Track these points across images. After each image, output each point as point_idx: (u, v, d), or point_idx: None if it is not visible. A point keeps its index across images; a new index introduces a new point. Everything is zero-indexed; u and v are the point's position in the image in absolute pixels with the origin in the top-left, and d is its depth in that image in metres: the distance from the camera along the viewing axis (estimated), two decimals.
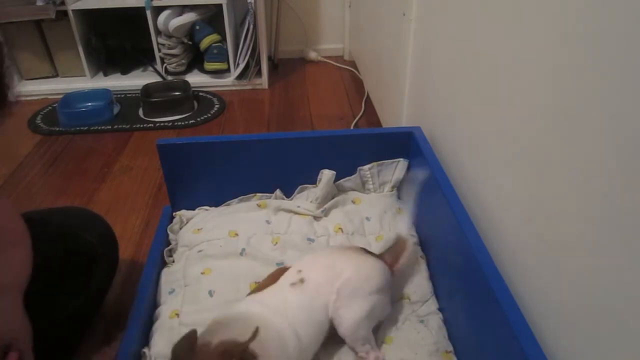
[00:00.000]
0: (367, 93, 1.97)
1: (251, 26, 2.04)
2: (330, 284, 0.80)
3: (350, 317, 0.78)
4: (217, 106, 2.05)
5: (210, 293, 0.93)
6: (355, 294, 0.80)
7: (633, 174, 0.49)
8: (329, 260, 0.86)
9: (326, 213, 1.13)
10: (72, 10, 2.01)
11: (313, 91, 2.19)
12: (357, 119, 1.89)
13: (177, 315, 0.91)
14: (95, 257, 0.93)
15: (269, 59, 2.36)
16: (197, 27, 2.12)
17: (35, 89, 2.15)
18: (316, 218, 1.12)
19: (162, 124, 1.91)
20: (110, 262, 0.99)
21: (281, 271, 0.86)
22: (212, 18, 2.20)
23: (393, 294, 0.90)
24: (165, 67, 2.19)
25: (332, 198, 1.15)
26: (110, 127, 1.90)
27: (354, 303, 0.79)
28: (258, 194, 1.17)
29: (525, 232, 0.73)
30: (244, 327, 0.68)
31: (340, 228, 1.09)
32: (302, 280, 0.80)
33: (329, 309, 0.80)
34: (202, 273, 0.98)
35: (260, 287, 0.84)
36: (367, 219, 1.12)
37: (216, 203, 1.17)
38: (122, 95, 2.12)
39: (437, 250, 0.98)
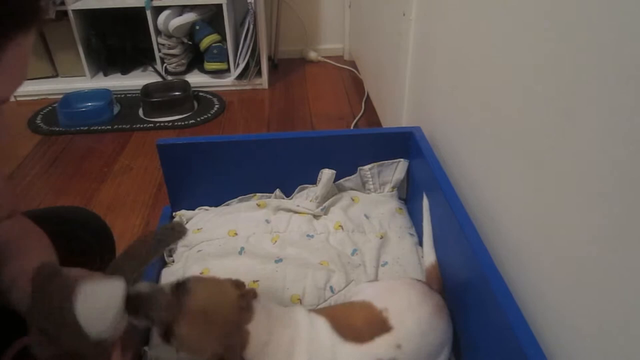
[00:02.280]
0: (367, 93, 1.97)
1: (251, 26, 2.04)
2: None
3: None
4: (217, 106, 2.05)
5: None
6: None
7: (633, 174, 0.49)
8: (432, 335, 0.77)
9: (326, 211, 1.13)
10: (72, 10, 2.01)
11: (313, 91, 2.19)
12: (357, 119, 1.89)
13: None
14: (91, 254, 0.93)
15: (269, 59, 2.36)
16: (197, 27, 2.12)
17: (35, 89, 2.14)
18: (316, 216, 1.12)
19: (162, 124, 1.91)
20: (107, 259, 0.99)
21: (373, 316, 0.75)
22: (212, 18, 2.21)
23: None
24: (165, 67, 2.19)
25: (332, 197, 1.15)
26: (110, 127, 1.90)
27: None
28: (258, 194, 1.17)
29: (525, 232, 0.73)
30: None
31: (340, 225, 1.09)
32: None
33: None
34: (201, 273, 0.98)
35: (335, 320, 0.74)
36: (367, 217, 1.12)
37: (216, 203, 1.17)
38: (122, 95, 2.12)
39: (438, 250, 0.98)
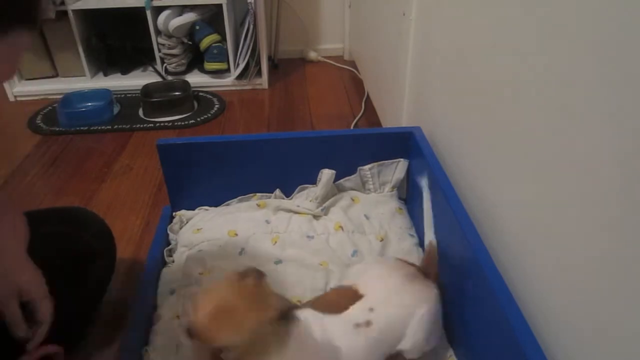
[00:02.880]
0: (367, 93, 1.97)
1: (251, 26, 2.04)
2: (402, 325, 0.80)
3: (427, 347, 0.83)
4: (217, 106, 2.05)
5: None
6: (432, 329, 0.82)
7: (634, 174, 0.49)
8: (403, 296, 0.82)
9: (326, 211, 1.13)
10: (72, 10, 2.01)
11: (313, 91, 2.19)
12: (357, 119, 1.89)
13: (178, 316, 0.91)
14: (92, 254, 0.93)
15: (269, 59, 2.36)
16: (197, 27, 2.11)
17: (35, 89, 2.14)
18: (316, 217, 1.12)
19: (162, 124, 1.91)
20: (108, 259, 0.99)
21: (347, 295, 0.81)
22: (212, 18, 2.20)
23: None
24: (165, 67, 2.19)
25: (332, 197, 1.15)
26: (110, 127, 1.90)
27: (430, 336, 0.82)
28: (258, 194, 1.17)
29: (525, 232, 0.73)
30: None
31: (340, 226, 1.09)
32: (369, 323, 0.77)
33: (391, 347, 0.80)
34: (200, 273, 0.98)
35: (316, 305, 0.81)
36: (367, 217, 1.12)
37: (216, 203, 1.17)
38: (122, 95, 2.12)
39: (438, 250, 0.98)
